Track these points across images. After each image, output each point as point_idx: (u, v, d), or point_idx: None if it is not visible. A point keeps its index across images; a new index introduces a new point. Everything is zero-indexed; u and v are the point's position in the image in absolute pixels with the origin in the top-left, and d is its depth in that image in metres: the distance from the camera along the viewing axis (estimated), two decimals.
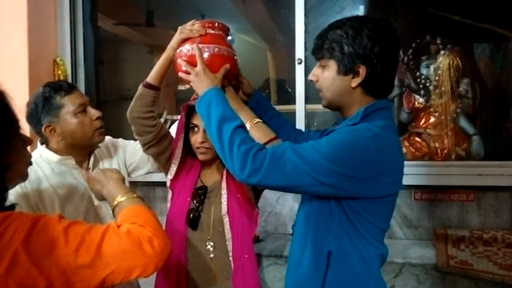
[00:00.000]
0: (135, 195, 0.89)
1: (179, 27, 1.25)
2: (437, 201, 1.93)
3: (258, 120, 1.17)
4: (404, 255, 1.74)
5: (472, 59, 2.09)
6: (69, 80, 2.18)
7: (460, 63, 2.03)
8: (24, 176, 0.86)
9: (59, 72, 2.12)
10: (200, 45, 1.18)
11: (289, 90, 2.39)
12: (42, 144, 1.32)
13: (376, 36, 0.97)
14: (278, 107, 2.29)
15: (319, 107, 2.00)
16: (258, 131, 1.14)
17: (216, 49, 1.20)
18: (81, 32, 2.25)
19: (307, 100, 2.03)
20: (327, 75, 1.03)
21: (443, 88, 2.01)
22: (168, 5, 2.81)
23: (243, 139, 0.99)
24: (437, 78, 2.02)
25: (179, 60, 1.20)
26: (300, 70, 2.01)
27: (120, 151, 1.47)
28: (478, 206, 1.89)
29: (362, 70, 0.98)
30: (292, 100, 2.11)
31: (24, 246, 0.68)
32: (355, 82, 1.00)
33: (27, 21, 1.97)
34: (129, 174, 1.49)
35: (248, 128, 1.13)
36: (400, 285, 1.72)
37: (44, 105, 1.24)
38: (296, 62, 2.01)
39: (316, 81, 1.06)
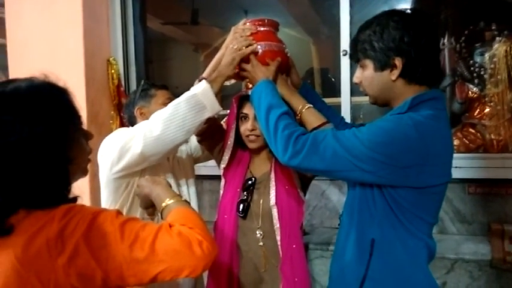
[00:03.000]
0: (182, 199, 0.93)
1: (232, 28, 1.33)
2: (492, 195, 1.84)
3: (310, 105, 1.23)
4: (457, 250, 1.68)
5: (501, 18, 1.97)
6: (122, 79, 2.29)
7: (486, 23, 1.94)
8: (84, 171, 0.90)
9: (112, 71, 2.23)
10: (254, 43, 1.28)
11: (334, 81, 2.37)
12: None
13: (404, 26, 0.97)
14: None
15: (364, 99, 1.98)
16: (310, 115, 1.21)
17: (267, 45, 1.30)
18: (131, 32, 2.35)
19: (353, 92, 2.01)
20: (367, 74, 1.04)
21: (499, 77, 1.91)
22: (212, 3, 2.88)
23: (287, 124, 1.05)
24: (492, 66, 1.92)
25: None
26: (345, 62, 1.99)
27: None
28: None
29: (397, 62, 0.98)
30: (336, 93, 2.10)
31: (85, 238, 0.72)
32: (394, 75, 0.99)
33: (82, 24, 2.08)
34: (194, 162, 1.62)
35: (300, 112, 1.22)
36: (453, 282, 1.66)
37: (141, 93, 1.49)
38: (341, 54, 1.99)
39: (360, 82, 1.08)
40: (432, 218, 1.02)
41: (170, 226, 0.77)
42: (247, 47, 1.26)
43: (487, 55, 1.94)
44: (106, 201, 1.38)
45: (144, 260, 0.73)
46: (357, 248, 1.03)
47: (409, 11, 1.01)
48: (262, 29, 1.32)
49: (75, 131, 0.83)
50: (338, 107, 2.04)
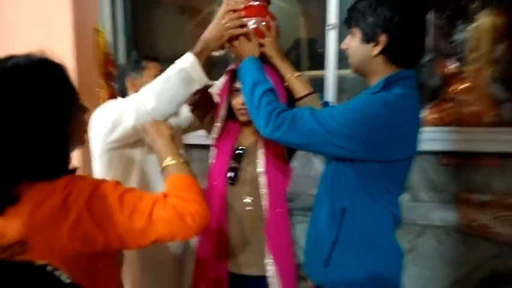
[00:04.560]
0: (182, 160, 0.99)
1: (225, 0, 1.34)
2: (463, 166, 1.97)
3: (298, 73, 1.33)
4: (427, 217, 1.82)
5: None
6: (111, 47, 2.29)
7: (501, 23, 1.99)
8: (82, 141, 0.96)
9: (100, 39, 2.23)
10: (245, 18, 1.32)
11: (320, 52, 2.42)
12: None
13: (397, 7, 1.04)
14: (309, 73, 2.36)
15: (349, 72, 2.06)
16: (298, 83, 1.31)
17: (259, 20, 1.35)
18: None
19: (338, 66, 2.07)
20: (354, 43, 1.12)
21: (478, 53, 1.99)
22: None
23: (270, 100, 1.15)
24: (472, 42, 2.00)
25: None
26: (331, 35, 2.04)
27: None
28: (503, 172, 1.92)
29: (382, 38, 1.05)
30: (323, 65, 2.16)
31: (87, 207, 0.79)
32: (375, 50, 1.07)
33: None
34: (184, 132, 1.67)
35: (288, 79, 1.31)
36: (422, 245, 1.82)
37: (132, 64, 1.52)
38: (327, 27, 2.03)
39: (346, 49, 1.16)
40: (398, 189, 1.13)
41: (165, 197, 0.85)
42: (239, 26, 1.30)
43: (467, 32, 2.01)
44: (99, 173, 1.43)
45: (142, 229, 0.81)
46: (330, 215, 1.14)
47: None
48: (254, 3, 1.35)
49: (73, 106, 0.88)
50: (323, 80, 2.11)
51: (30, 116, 0.77)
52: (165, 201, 0.84)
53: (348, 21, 1.14)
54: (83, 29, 2.14)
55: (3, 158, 0.76)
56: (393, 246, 1.12)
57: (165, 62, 1.40)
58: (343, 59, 2.04)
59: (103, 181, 0.85)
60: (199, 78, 1.28)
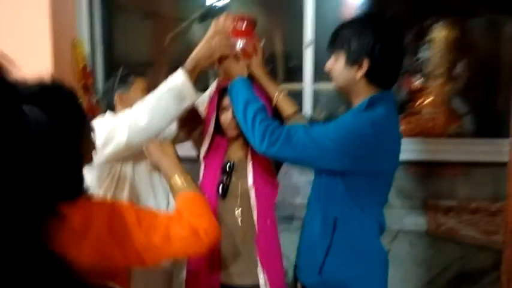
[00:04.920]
0: (189, 178, 1.05)
1: (213, 21, 1.41)
2: (430, 174, 2.14)
3: (283, 92, 1.41)
4: (400, 222, 1.96)
5: (466, 33, 2.25)
6: (89, 60, 2.27)
7: (454, 36, 2.20)
8: (91, 160, 0.98)
9: (78, 52, 2.21)
10: (232, 39, 1.38)
11: (295, 68, 2.53)
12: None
13: (380, 34, 1.14)
14: (285, 85, 2.46)
15: (324, 86, 2.18)
16: (285, 102, 1.40)
17: (246, 41, 1.42)
18: (98, 13, 2.33)
19: (314, 80, 2.18)
20: (338, 65, 1.21)
21: (439, 71, 2.18)
22: None
23: (263, 118, 1.22)
24: (435, 60, 2.18)
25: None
26: (309, 52, 2.15)
27: None
28: (466, 179, 2.11)
29: (365, 63, 1.15)
30: (297, 78, 2.26)
31: (106, 226, 0.82)
32: (359, 73, 1.16)
33: (49, 4, 2.03)
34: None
35: (276, 99, 1.39)
36: (396, 249, 1.95)
37: (120, 80, 1.55)
38: (305, 45, 2.14)
39: (330, 70, 1.25)
40: (383, 199, 1.24)
41: (179, 214, 0.90)
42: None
43: (429, 51, 2.19)
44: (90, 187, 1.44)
45: (159, 245, 0.85)
46: (323, 225, 1.23)
47: (387, 20, 1.17)
48: (242, 25, 1.43)
49: (84, 127, 0.92)
50: (300, 93, 2.21)
51: (49, 141, 0.79)
52: (179, 218, 0.88)
53: (333, 45, 1.23)
54: (61, 42, 2.12)
55: (24, 184, 0.77)
56: (380, 252, 1.23)
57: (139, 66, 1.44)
58: (318, 73, 2.16)
59: (118, 201, 0.88)
60: (191, 95, 1.33)
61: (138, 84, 1.57)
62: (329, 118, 2.39)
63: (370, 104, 1.16)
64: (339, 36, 1.20)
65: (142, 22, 2.39)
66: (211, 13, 3.51)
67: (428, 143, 2.16)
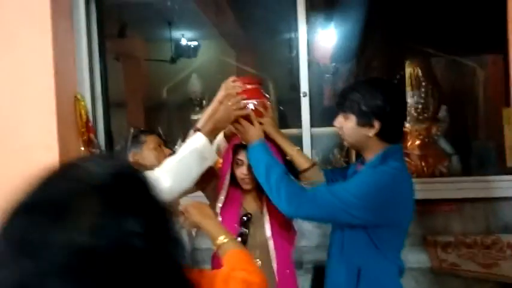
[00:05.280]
0: (233, 237, 1.12)
1: (223, 84, 1.51)
2: (426, 212, 2.25)
3: (297, 148, 1.51)
4: (405, 260, 2.03)
5: (430, 69, 2.46)
6: (90, 114, 2.31)
7: (419, 73, 2.39)
8: None
9: (80, 107, 2.24)
10: (243, 101, 1.47)
11: (289, 116, 2.66)
12: None
13: (388, 97, 1.26)
14: (284, 131, 2.57)
15: (320, 130, 2.30)
16: (300, 157, 1.49)
17: (256, 103, 1.50)
18: (97, 68, 2.39)
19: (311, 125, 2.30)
20: (349, 125, 1.31)
21: (425, 114, 2.35)
22: (137, 16, 2.93)
23: (287, 182, 1.30)
24: (420, 106, 2.36)
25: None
26: (305, 102, 2.28)
27: None
28: (459, 215, 2.23)
29: (376, 124, 1.26)
30: (294, 124, 2.38)
31: None
32: (371, 133, 1.27)
33: (53, 61, 2.06)
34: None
35: (291, 154, 1.48)
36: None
37: (132, 140, 1.63)
38: (301, 95, 2.28)
39: (340, 128, 1.34)
40: (401, 245, 1.33)
41: (233, 271, 0.94)
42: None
43: (415, 97, 2.37)
44: None
45: None
46: (347, 276, 1.30)
47: (392, 85, 1.31)
48: (249, 86, 1.54)
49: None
50: (298, 137, 2.33)
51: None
52: (235, 275, 0.93)
53: (341, 106, 1.33)
54: (64, 97, 2.15)
55: None
56: None
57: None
58: (313, 119, 2.29)
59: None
60: (211, 156, 1.40)
61: (149, 142, 1.64)
62: (326, 160, 2.52)
63: (384, 158, 1.26)
64: (348, 99, 1.30)
65: (113, 63, 2.46)
66: (182, 54, 3.66)
67: (421, 183, 2.29)
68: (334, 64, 2.73)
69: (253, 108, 1.50)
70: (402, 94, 1.31)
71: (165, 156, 1.57)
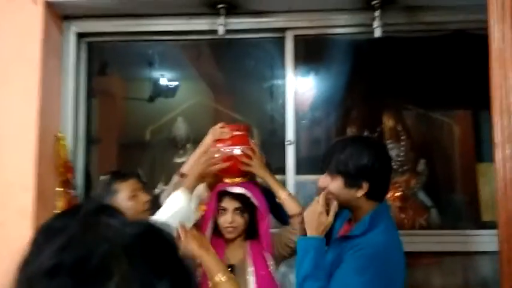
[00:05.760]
0: (231, 276, 1.12)
1: (211, 129, 1.54)
2: (406, 265, 2.25)
3: (288, 192, 1.55)
4: None
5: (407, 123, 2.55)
6: (72, 154, 2.25)
7: (397, 126, 2.48)
8: None
9: (60, 147, 2.18)
10: (231, 147, 1.50)
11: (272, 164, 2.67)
12: None
13: (375, 157, 1.27)
14: None
15: (305, 177, 2.31)
16: (291, 201, 1.51)
17: (243, 149, 1.55)
18: (83, 109, 2.37)
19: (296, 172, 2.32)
20: (335, 186, 1.30)
21: (405, 167, 2.42)
22: (118, 56, 2.92)
23: None
24: (400, 159, 2.43)
25: None
26: (290, 150, 2.30)
27: None
28: (439, 269, 2.24)
29: (365, 185, 1.26)
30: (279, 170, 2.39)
31: None
32: (359, 193, 1.27)
33: (37, 99, 2.04)
34: None
35: (282, 198, 1.50)
36: None
37: (105, 189, 1.52)
38: (286, 143, 2.30)
39: (325, 187, 1.33)
40: None
41: None
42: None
43: (395, 151, 2.44)
44: None
45: None
46: None
47: (377, 143, 1.34)
48: (238, 133, 1.57)
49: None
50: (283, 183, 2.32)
51: None
52: None
53: (326, 166, 1.32)
54: (45, 136, 2.10)
55: None
56: None
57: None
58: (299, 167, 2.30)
59: None
60: (194, 210, 1.43)
61: (123, 191, 1.53)
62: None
63: (372, 219, 1.27)
64: (332, 159, 1.30)
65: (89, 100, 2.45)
66: (162, 93, 3.68)
67: (402, 235, 2.30)
68: (314, 113, 2.80)
69: (241, 153, 1.52)
70: (387, 151, 1.35)
71: (143, 204, 1.52)
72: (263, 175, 1.53)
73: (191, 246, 1.19)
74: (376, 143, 1.35)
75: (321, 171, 1.38)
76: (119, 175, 1.57)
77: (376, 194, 1.30)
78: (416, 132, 2.61)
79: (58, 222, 0.52)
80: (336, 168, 1.29)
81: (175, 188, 1.50)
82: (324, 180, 1.34)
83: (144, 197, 1.55)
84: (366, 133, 2.52)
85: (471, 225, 2.40)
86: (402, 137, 2.47)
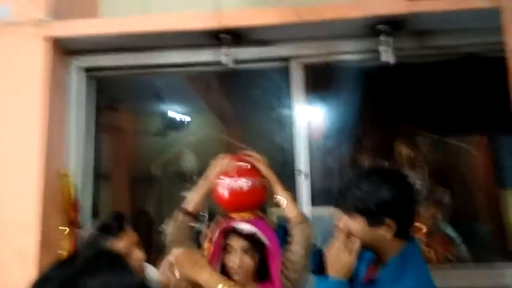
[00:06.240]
0: (232, 284, 1.06)
1: (214, 162, 1.51)
2: None
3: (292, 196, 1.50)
4: None
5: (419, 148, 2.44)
6: (78, 193, 2.19)
7: (410, 151, 2.38)
8: None
9: (66, 185, 2.12)
10: (237, 179, 1.45)
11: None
12: None
13: (395, 189, 1.12)
14: (276, 209, 2.46)
15: (321, 210, 2.20)
16: (292, 205, 1.47)
17: (253, 181, 1.47)
18: (91, 146, 2.33)
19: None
20: (357, 227, 1.16)
21: (424, 197, 2.30)
22: (127, 90, 2.93)
23: None
24: (418, 188, 2.31)
25: None
26: (304, 180, 2.18)
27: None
28: None
29: (390, 222, 1.11)
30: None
31: None
32: (388, 234, 1.12)
33: (39, 137, 1.99)
34: None
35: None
36: None
37: (95, 243, 1.34)
38: (297, 174, 2.20)
39: (345, 229, 1.18)
40: None
41: None
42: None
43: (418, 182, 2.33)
44: None
45: None
46: None
47: (395, 173, 1.23)
48: (244, 165, 1.50)
49: None
50: None
51: None
52: None
53: (344, 205, 1.19)
54: (49, 174, 2.04)
55: None
56: None
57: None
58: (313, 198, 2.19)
59: None
60: None
61: (120, 245, 1.37)
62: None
63: (404, 261, 1.13)
64: (349, 197, 1.17)
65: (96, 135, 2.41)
66: (172, 127, 3.65)
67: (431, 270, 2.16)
68: (326, 142, 2.72)
69: (250, 186, 1.43)
70: (408, 181, 1.21)
71: (137, 262, 1.40)
72: (267, 173, 1.48)
73: (184, 268, 1.12)
74: (395, 174, 1.21)
75: (336, 205, 1.26)
76: (110, 229, 1.37)
77: (403, 231, 1.15)
78: (432, 160, 2.50)
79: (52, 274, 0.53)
80: (354, 206, 1.16)
81: (175, 224, 1.43)
82: (343, 221, 1.20)
83: (138, 255, 1.42)
84: (380, 161, 2.43)
85: (498, 255, 2.24)
86: (419, 165, 2.36)
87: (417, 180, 2.29)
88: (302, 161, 2.21)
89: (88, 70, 2.30)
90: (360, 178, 1.19)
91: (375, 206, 1.12)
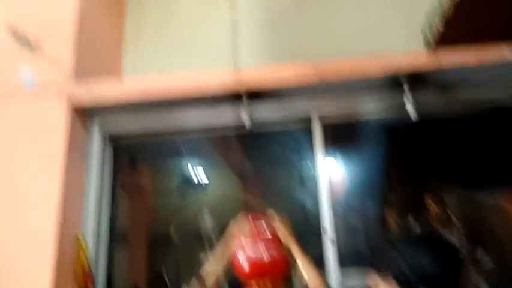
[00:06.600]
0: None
1: (233, 223, 1.50)
2: None
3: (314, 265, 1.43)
4: None
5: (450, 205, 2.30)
6: (92, 260, 2.10)
7: (440, 209, 2.24)
8: None
9: (81, 251, 2.04)
10: (259, 245, 1.45)
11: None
12: None
13: (443, 264, 1.04)
14: None
15: (348, 270, 2.04)
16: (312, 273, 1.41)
17: (271, 243, 1.48)
18: (107, 209, 2.27)
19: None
20: None
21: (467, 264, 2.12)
22: (147, 149, 2.91)
23: None
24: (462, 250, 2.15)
25: None
26: (329, 241, 2.06)
27: None
28: None
29: None
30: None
31: None
32: None
33: (58, 199, 1.96)
34: None
35: None
36: None
37: None
38: (324, 233, 2.07)
39: None
40: None
41: None
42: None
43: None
44: None
45: None
46: None
47: (443, 242, 1.14)
48: (265, 232, 1.46)
49: None
50: None
51: None
52: None
53: (380, 267, 1.13)
54: (64, 239, 1.96)
55: None
56: None
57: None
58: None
59: None
60: None
61: None
62: None
63: None
64: (388, 261, 1.12)
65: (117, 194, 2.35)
66: (191, 186, 3.59)
67: None
68: (349, 200, 2.61)
69: (271, 252, 1.44)
70: (459, 255, 1.12)
71: None
72: (287, 240, 1.46)
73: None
74: (444, 245, 1.12)
75: (363, 265, 1.19)
76: None
77: None
78: (464, 216, 2.36)
79: None
80: (392, 271, 1.09)
81: None
82: (375, 283, 1.13)
83: None
84: (410, 220, 2.29)
85: None
86: (449, 222, 2.22)
87: (454, 240, 2.14)
88: (326, 220, 2.10)
89: (108, 134, 2.30)
90: (405, 243, 1.13)
91: (416, 277, 1.05)
